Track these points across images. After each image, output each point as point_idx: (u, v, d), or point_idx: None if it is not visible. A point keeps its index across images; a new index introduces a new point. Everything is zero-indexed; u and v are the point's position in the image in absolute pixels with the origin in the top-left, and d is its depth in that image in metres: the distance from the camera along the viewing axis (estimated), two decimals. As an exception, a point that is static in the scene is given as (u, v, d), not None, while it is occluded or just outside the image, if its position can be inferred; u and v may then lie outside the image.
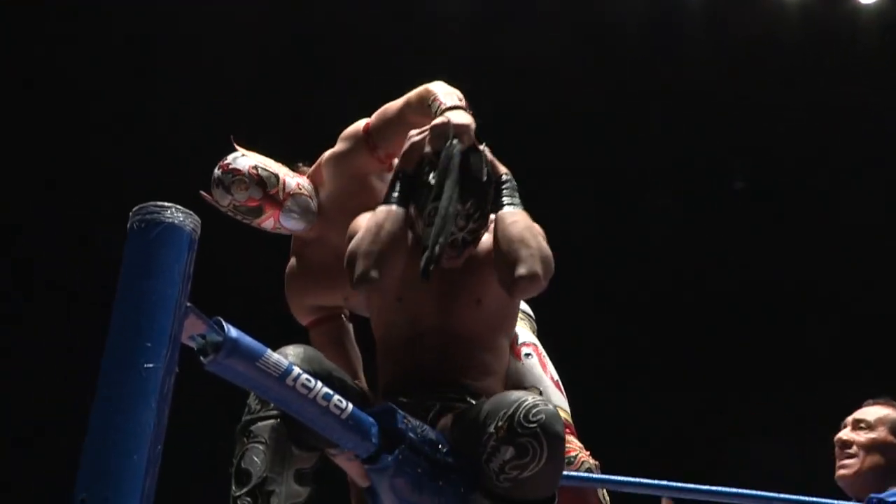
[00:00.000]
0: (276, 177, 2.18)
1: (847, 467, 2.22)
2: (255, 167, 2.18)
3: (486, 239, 1.91)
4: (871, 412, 2.29)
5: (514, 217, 1.85)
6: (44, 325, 5.78)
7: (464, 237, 1.83)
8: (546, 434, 1.46)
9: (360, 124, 2.15)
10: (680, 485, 1.63)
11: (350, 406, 1.41)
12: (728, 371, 7.48)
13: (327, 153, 2.23)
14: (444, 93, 1.95)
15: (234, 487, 1.44)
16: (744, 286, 7.69)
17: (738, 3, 6.71)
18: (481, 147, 1.90)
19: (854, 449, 2.24)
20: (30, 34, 6.20)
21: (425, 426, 1.54)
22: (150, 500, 1.11)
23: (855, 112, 7.15)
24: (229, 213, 2.21)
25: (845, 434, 2.26)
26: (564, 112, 6.66)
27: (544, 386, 2.10)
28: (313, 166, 2.28)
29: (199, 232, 1.19)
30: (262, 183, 2.17)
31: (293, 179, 2.22)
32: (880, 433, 2.25)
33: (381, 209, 1.86)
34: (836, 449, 2.27)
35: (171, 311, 1.15)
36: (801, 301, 7.77)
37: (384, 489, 1.46)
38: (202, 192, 2.20)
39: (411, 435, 1.46)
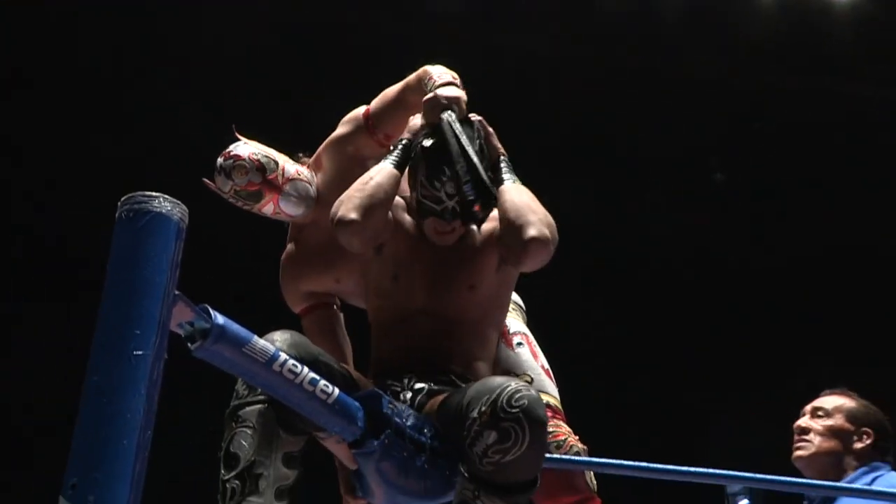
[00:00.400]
0: (276, 162, 2.21)
1: (803, 449, 2.25)
2: (255, 153, 2.20)
3: (483, 227, 1.93)
4: (828, 401, 2.33)
5: (518, 189, 1.89)
6: (45, 318, 5.79)
7: (453, 206, 1.83)
8: (528, 419, 1.46)
9: (360, 109, 2.18)
10: (662, 466, 1.63)
11: (336, 391, 1.41)
12: (711, 359, 7.54)
13: (328, 139, 2.26)
14: (439, 73, 1.99)
15: (223, 471, 1.43)
16: (724, 273, 7.74)
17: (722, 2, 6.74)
18: (474, 119, 1.94)
19: (811, 435, 2.28)
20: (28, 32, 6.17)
21: (410, 410, 1.54)
22: (139, 484, 1.11)
23: (833, 105, 7.20)
24: (231, 200, 2.22)
25: (804, 421, 2.31)
26: (554, 108, 6.67)
27: (536, 373, 2.11)
28: (314, 155, 2.28)
29: (186, 221, 1.18)
30: (261, 168, 2.19)
31: (293, 166, 2.24)
32: (837, 420, 2.29)
33: (375, 167, 1.91)
34: (795, 435, 2.30)
35: (159, 298, 1.14)
36: (778, 287, 7.84)
37: (371, 472, 1.46)
38: (205, 180, 2.22)
39: (397, 419, 1.46)
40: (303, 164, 2.28)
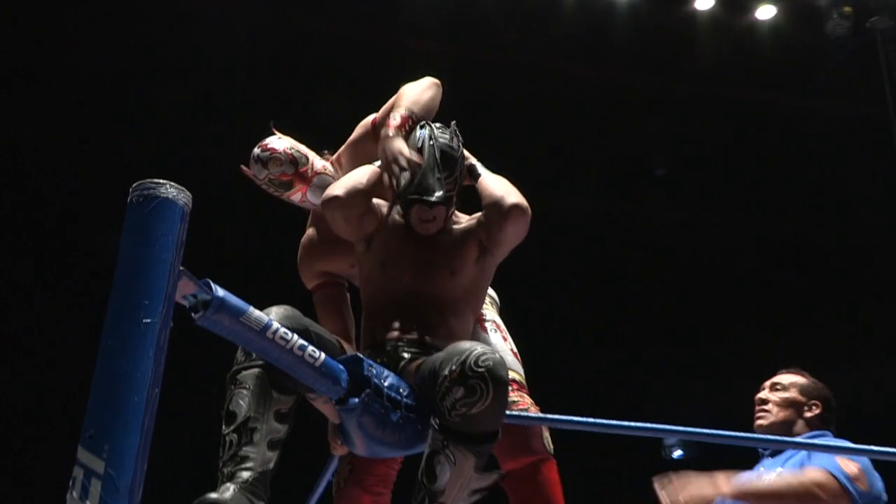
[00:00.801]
0: (307, 158, 2.26)
1: (764, 418, 2.32)
2: (290, 148, 2.25)
3: (462, 222, 1.97)
4: (785, 378, 2.41)
5: (494, 175, 1.98)
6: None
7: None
8: (492, 377, 1.48)
9: (369, 118, 2.22)
10: (608, 421, 1.65)
11: (322, 355, 1.42)
12: (655, 329, 7.63)
13: (347, 141, 2.31)
14: (395, 114, 2.01)
15: (223, 427, 1.45)
16: (662, 257, 7.83)
17: (659, 14, 6.73)
18: (451, 126, 1.99)
19: (770, 406, 2.36)
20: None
21: (388, 372, 1.56)
22: (148, 434, 1.12)
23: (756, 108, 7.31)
24: (263, 186, 2.27)
25: (764, 394, 2.40)
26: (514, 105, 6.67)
27: (505, 354, 2.13)
28: (336, 153, 2.33)
29: (190, 206, 1.19)
30: (294, 162, 2.24)
31: (319, 162, 2.29)
32: (791, 393, 2.37)
33: (365, 166, 1.99)
34: (756, 406, 2.38)
35: (165, 273, 1.16)
36: (709, 268, 7.96)
37: (352, 426, 1.47)
38: (242, 167, 2.27)
39: (375, 380, 1.47)
40: (326, 159, 2.33)
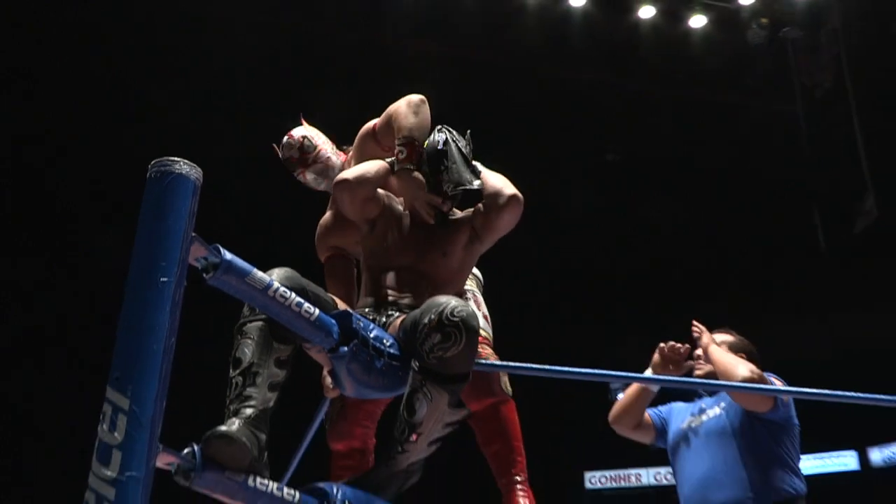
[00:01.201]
0: (314, 147, 2.37)
1: (701, 369, 2.39)
2: (304, 136, 2.38)
3: (457, 217, 2.04)
4: (718, 337, 2.49)
5: (492, 171, 2.04)
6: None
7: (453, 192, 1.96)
8: (465, 326, 1.52)
9: (370, 124, 2.27)
10: (560, 368, 1.69)
11: (317, 311, 1.45)
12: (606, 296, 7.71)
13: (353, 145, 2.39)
14: (401, 147, 2.03)
15: (230, 371, 1.48)
16: (618, 232, 7.92)
17: (610, 18, 6.84)
18: (466, 134, 2.07)
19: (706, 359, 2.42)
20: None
21: (374, 326, 1.59)
22: (166, 378, 1.16)
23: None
24: (285, 164, 2.41)
25: (700, 351, 2.45)
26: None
27: (479, 316, 2.19)
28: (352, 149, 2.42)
29: (201, 181, 1.21)
30: (301, 148, 2.37)
31: (328, 153, 2.40)
32: (723, 349, 2.45)
33: (376, 160, 2.06)
34: (695, 360, 2.46)
35: (179, 239, 1.20)
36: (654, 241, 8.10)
37: (342, 371, 1.50)
38: (273, 145, 2.42)
39: (363, 332, 1.50)
40: (345, 152, 2.42)
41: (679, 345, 2.36)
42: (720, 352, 2.29)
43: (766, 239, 8.23)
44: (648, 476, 11.31)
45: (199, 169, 1.21)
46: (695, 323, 2.35)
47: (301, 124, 2.42)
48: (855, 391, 1.81)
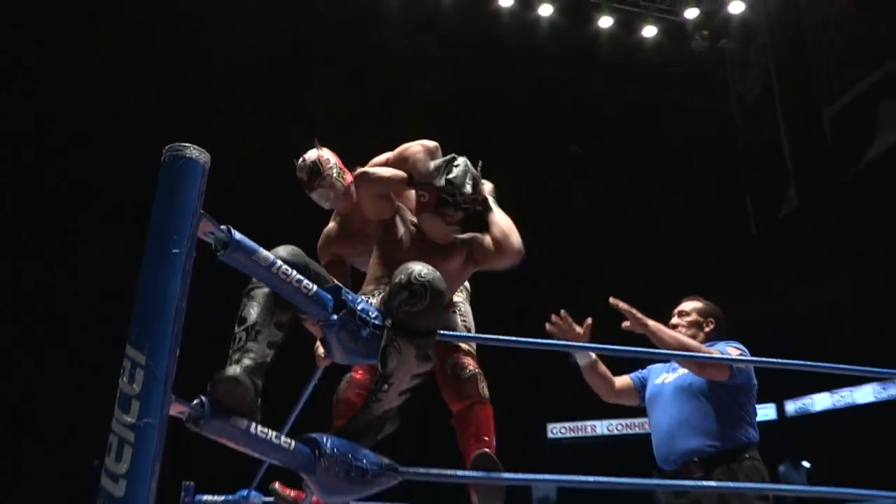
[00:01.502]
0: (321, 169, 2.65)
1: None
2: (314, 162, 2.66)
3: (457, 239, 2.34)
4: (687, 305, 2.70)
5: (503, 214, 2.33)
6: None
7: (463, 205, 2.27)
8: (430, 286, 1.66)
9: (384, 156, 2.48)
10: (532, 340, 1.83)
11: (315, 287, 1.61)
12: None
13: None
14: (422, 190, 2.29)
15: (236, 327, 1.64)
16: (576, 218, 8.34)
17: (574, 29, 7.48)
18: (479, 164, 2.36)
19: (679, 329, 2.63)
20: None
21: (361, 299, 1.74)
22: (178, 338, 1.29)
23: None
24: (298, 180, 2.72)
25: (674, 321, 2.68)
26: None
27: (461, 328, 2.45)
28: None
29: (209, 164, 1.36)
30: (309, 170, 2.65)
31: (334, 177, 2.67)
32: (693, 316, 2.68)
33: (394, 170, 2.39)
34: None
35: (189, 215, 1.33)
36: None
37: (332, 339, 1.65)
38: (295, 160, 2.68)
39: (350, 304, 1.65)
40: (354, 169, 2.59)
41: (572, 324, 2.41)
42: (667, 331, 2.42)
43: (702, 223, 9.17)
44: (602, 427, 13.74)
45: (207, 154, 1.34)
46: (620, 304, 2.40)
47: (315, 146, 2.69)
48: (773, 357, 2.04)
